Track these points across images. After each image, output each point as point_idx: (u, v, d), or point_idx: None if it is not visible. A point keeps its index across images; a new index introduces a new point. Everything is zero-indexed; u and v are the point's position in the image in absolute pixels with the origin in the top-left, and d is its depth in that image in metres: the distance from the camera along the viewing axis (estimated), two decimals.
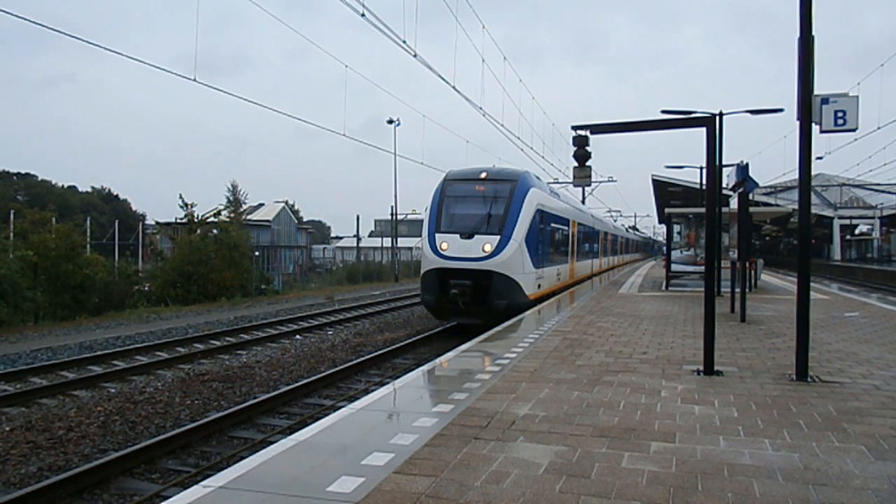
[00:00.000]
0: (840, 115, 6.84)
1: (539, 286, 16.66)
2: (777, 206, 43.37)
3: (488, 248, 14.76)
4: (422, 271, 15.86)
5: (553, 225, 18.66)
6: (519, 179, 16.05)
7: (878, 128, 24.78)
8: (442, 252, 15.03)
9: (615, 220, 57.36)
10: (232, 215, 38.83)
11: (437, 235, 15.38)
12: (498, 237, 14.90)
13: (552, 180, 34.99)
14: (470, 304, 14.59)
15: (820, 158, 37.80)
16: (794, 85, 6.85)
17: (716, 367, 7.19)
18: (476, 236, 14.99)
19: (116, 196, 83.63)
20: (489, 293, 14.63)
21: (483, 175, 16.29)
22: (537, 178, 18.02)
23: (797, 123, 6.90)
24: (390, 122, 42.45)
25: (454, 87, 18.08)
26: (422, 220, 17.31)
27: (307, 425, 5.37)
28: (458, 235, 15.09)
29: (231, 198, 48.76)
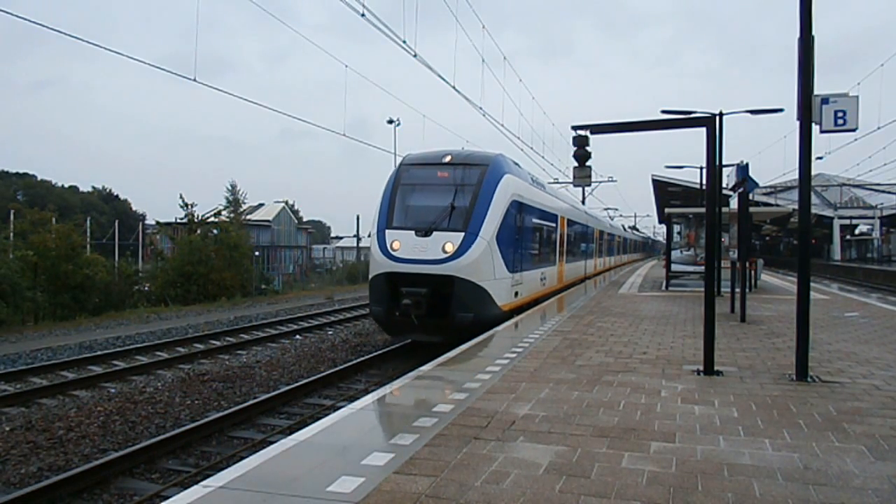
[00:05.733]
0: (840, 115, 6.85)
1: (516, 294, 13.95)
2: (777, 206, 43.39)
3: (449, 247, 12.09)
4: (370, 276, 13.21)
5: (535, 220, 15.91)
6: (490, 164, 13.27)
7: (878, 128, 24.75)
8: (393, 253, 12.35)
9: (612, 219, 56.35)
10: (232, 215, 38.84)
11: (387, 232, 12.72)
12: (462, 234, 12.20)
13: (552, 180, 34.92)
14: (426, 318, 11.90)
15: (820, 158, 37.82)
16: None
17: (716, 367, 7.20)
18: (435, 233, 12.30)
19: (116, 196, 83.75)
20: (450, 304, 11.98)
21: (447, 158, 13.47)
22: (515, 163, 15.20)
23: (797, 123, 6.91)
24: (390, 122, 42.41)
25: (454, 87, 18.07)
26: None
27: (307, 425, 5.37)
28: (412, 232, 12.42)
29: (231, 198, 48.80)
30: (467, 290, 11.96)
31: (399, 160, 14.41)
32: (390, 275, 12.35)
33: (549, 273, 18.04)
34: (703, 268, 11.27)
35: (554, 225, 18.58)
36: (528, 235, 15.17)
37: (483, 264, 12.24)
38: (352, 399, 9.25)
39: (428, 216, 12.70)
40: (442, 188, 13.10)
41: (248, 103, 58.51)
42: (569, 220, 21.04)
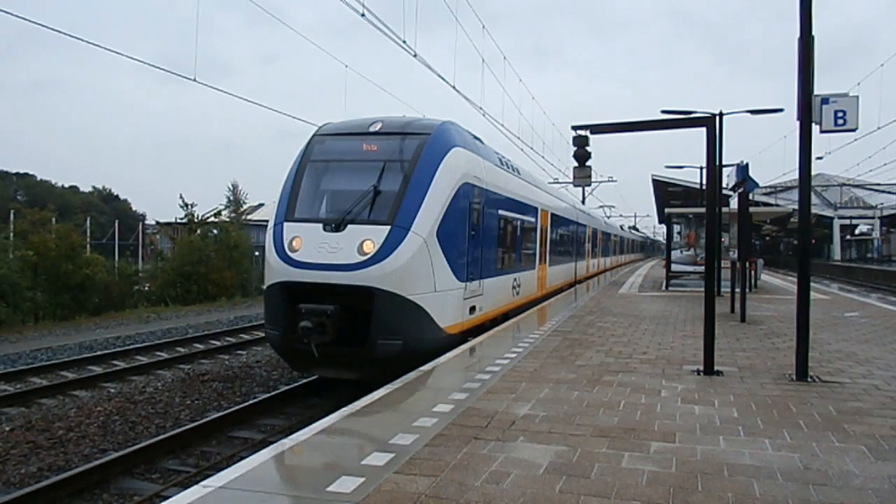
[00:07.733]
0: (840, 115, 6.86)
1: (474, 309, 10.49)
2: (777, 206, 43.39)
3: (369, 246, 8.70)
4: (265, 287, 9.72)
5: (503, 212, 12.40)
6: (432, 133, 9.80)
7: (878, 128, 24.76)
8: (291, 255, 8.97)
9: (609, 217, 55.10)
10: (233, 215, 38.85)
11: (285, 226, 9.32)
12: (387, 228, 8.82)
13: (552, 180, 34.81)
14: (335, 347, 8.66)
15: (820, 158, 37.81)
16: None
17: (716, 367, 7.20)
18: (350, 227, 8.92)
19: (116, 196, 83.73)
20: (369, 327, 8.64)
21: (375, 127, 10.04)
22: (475, 137, 11.51)
23: (797, 123, 6.91)
24: None
25: (454, 87, 18.04)
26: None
27: (307, 425, 5.37)
28: (320, 226, 9.07)
29: (231, 198, 48.74)
30: (393, 307, 8.61)
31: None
32: (288, 286, 8.96)
33: (527, 279, 14.77)
34: (703, 268, 11.26)
35: (533, 219, 15.35)
36: (492, 231, 11.68)
37: (416, 270, 8.87)
38: (352, 399, 9.24)
39: (342, 203, 9.30)
40: (366, 166, 9.63)
41: (247, 104, 58.49)
42: (553, 214, 17.86)
